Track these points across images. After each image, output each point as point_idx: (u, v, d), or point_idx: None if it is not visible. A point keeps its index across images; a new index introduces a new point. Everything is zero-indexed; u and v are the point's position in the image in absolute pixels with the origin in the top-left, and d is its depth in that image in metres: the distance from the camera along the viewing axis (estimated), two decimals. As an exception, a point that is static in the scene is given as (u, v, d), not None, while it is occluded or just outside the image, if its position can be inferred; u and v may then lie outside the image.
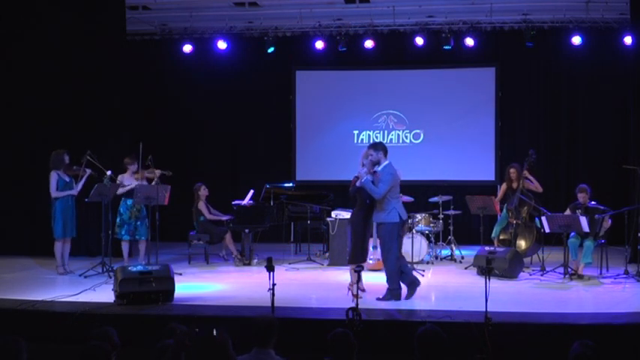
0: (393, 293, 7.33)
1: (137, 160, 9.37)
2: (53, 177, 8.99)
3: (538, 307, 7.00)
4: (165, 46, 13.11)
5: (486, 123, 12.70)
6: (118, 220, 9.36)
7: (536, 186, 9.82)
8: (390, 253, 7.34)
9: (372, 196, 7.30)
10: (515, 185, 9.88)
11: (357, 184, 7.37)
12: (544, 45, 12.29)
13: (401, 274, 7.37)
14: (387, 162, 7.40)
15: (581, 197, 9.03)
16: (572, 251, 8.88)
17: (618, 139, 11.84)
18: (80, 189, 9.17)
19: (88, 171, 9.11)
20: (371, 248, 9.56)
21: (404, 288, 7.39)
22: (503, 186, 10.15)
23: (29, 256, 10.25)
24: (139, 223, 9.35)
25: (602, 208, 8.91)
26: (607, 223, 8.87)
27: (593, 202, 9.02)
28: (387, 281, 7.40)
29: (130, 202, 9.29)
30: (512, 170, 9.96)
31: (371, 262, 9.50)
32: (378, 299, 7.33)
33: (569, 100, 12.54)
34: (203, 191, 10.39)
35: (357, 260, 7.29)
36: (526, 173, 9.75)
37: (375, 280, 8.61)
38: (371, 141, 12.80)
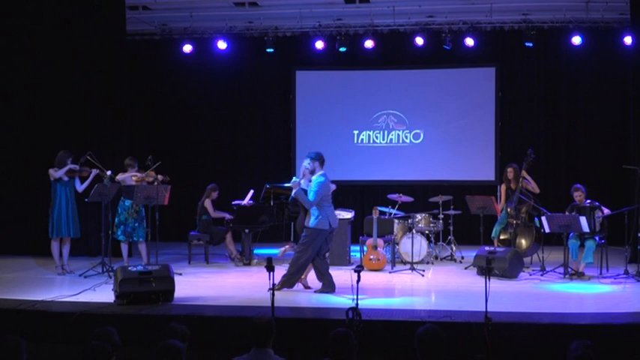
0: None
1: (137, 161, 9.40)
2: (54, 169, 9.00)
3: (538, 307, 7.01)
4: (165, 46, 13.10)
5: (486, 123, 12.70)
6: (116, 220, 9.35)
7: (533, 186, 9.83)
8: (305, 254, 7.71)
9: (304, 205, 7.75)
10: (513, 185, 9.88)
11: (292, 194, 7.80)
12: (544, 45, 12.29)
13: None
14: (321, 172, 7.74)
15: (577, 196, 9.05)
16: (572, 252, 8.88)
17: (618, 139, 11.83)
18: (85, 187, 9.17)
19: (94, 171, 9.11)
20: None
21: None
22: (503, 187, 10.15)
23: (29, 256, 10.24)
24: (136, 224, 9.29)
25: (596, 204, 8.95)
26: (601, 212, 8.88)
27: (589, 201, 9.04)
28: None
29: (128, 202, 9.26)
30: (509, 170, 9.97)
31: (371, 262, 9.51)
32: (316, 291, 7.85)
33: (569, 100, 12.53)
34: (214, 193, 10.39)
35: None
36: (524, 173, 9.76)
37: (375, 280, 8.62)
38: (371, 141, 12.87)
